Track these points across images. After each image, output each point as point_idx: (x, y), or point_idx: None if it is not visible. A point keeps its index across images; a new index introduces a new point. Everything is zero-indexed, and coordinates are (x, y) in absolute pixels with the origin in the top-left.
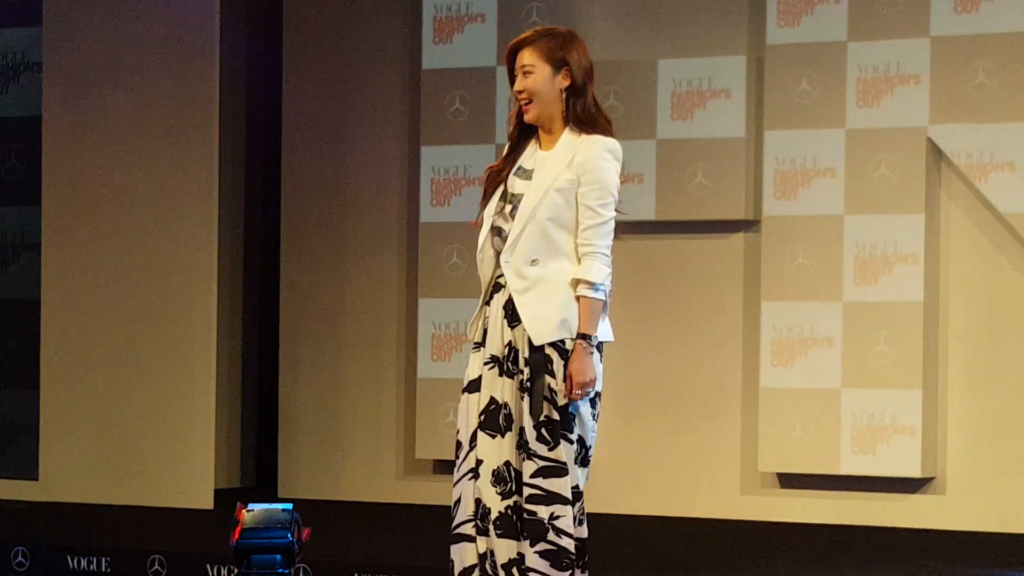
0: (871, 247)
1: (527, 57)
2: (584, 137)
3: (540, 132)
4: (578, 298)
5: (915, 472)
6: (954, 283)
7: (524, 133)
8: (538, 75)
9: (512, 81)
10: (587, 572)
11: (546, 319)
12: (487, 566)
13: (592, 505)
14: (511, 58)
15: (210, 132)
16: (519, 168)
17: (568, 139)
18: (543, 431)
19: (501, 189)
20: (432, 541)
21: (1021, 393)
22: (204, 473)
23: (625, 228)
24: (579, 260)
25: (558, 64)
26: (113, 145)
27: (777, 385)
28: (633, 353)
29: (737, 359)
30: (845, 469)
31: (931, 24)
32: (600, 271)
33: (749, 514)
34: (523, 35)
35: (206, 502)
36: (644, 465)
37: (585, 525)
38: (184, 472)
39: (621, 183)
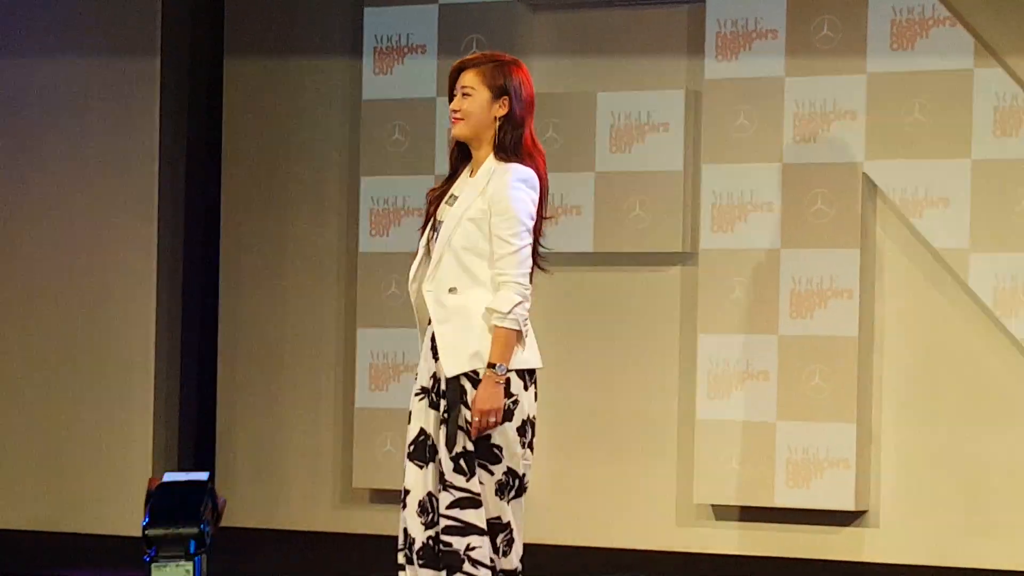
0: (807, 281)
1: (468, 79)
2: (501, 166)
3: (473, 160)
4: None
5: (849, 505)
6: (889, 318)
7: (462, 158)
8: (476, 98)
9: (451, 99)
10: None
11: (459, 350)
12: None
13: (527, 535)
14: (454, 76)
15: (150, 159)
16: (450, 195)
17: (488, 167)
18: (460, 462)
19: (432, 216)
20: (369, 570)
21: (954, 427)
22: (140, 499)
23: (563, 259)
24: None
25: (498, 91)
26: (52, 171)
27: (713, 417)
28: (569, 383)
29: (673, 391)
30: (780, 501)
31: (867, 61)
32: (510, 299)
33: (684, 546)
34: (470, 56)
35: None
36: (579, 496)
37: (515, 556)
38: (121, 499)
39: (557, 215)
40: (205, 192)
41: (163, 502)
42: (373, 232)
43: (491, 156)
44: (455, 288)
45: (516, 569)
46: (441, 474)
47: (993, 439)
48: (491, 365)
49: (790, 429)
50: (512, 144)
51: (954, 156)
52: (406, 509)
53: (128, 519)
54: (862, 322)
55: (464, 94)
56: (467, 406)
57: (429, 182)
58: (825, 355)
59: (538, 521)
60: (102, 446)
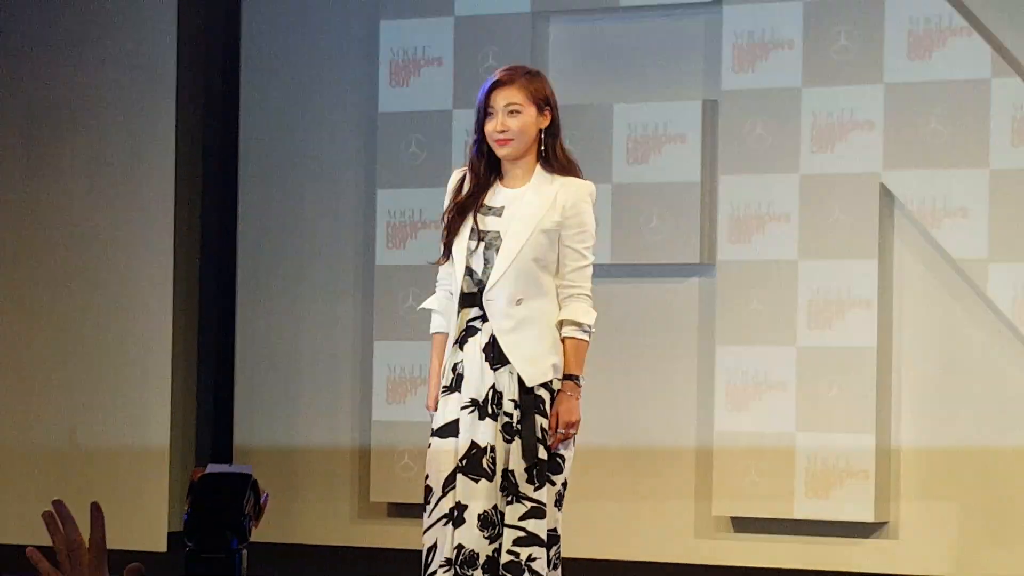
0: (825, 292)
1: (514, 97)
2: (561, 179)
3: (506, 169)
4: (564, 339)
5: (868, 517)
6: (907, 328)
7: (489, 168)
8: (526, 115)
9: (484, 116)
10: None
11: (538, 361)
12: None
13: None
14: (489, 95)
15: (166, 174)
16: (483, 205)
17: (542, 178)
18: (534, 473)
19: (470, 226)
20: None
21: (974, 438)
22: (158, 515)
23: None
24: (560, 301)
25: (541, 104)
26: (68, 184)
27: (731, 429)
28: (588, 395)
29: (692, 403)
30: (799, 513)
31: (885, 70)
32: (589, 313)
33: (703, 558)
34: (503, 74)
35: (159, 544)
36: (597, 507)
37: (559, 570)
38: (137, 513)
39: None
40: (222, 205)
41: (206, 495)
42: (390, 244)
43: (537, 168)
44: (522, 299)
45: None
46: (514, 485)
47: (1013, 449)
48: (571, 376)
49: (809, 440)
50: (559, 154)
51: (972, 166)
52: (463, 524)
53: (145, 534)
54: (880, 332)
55: (511, 112)
56: (544, 416)
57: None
58: (843, 366)
59: None
60: (119, 459)
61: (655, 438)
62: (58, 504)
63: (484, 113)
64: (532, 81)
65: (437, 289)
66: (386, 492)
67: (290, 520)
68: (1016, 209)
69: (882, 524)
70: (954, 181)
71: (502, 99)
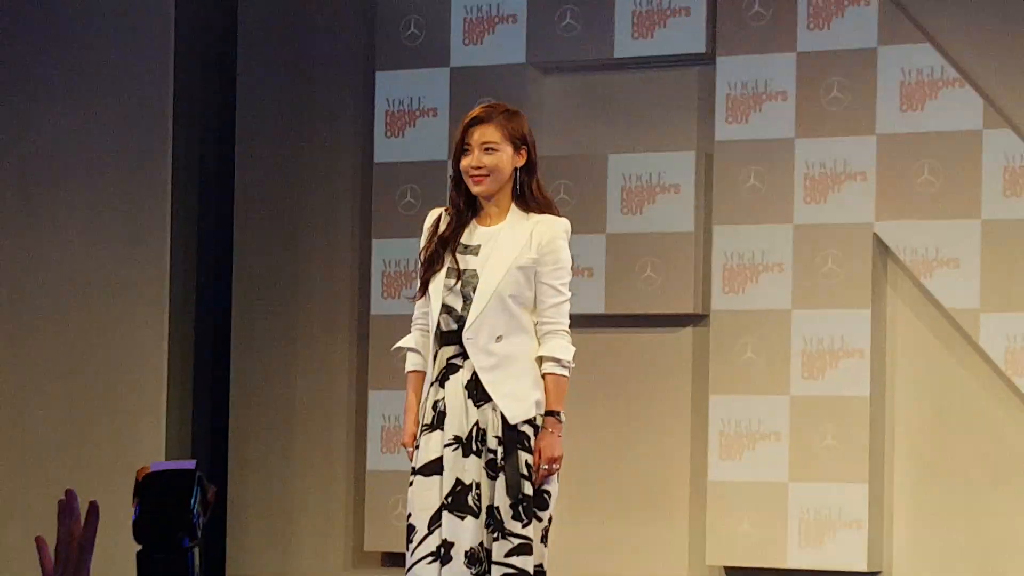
0: (818, 341)
1: (490, 134)
2: (537, 216)
3: (482, 207)
4: (545, 375)
5: (861, 566)
6: (900, 377)
7: (467, 205)
8: (502, 154)
9: (460, 154)
10: None
11: (521, 397)
12: None
13: None
14: (465, 131)
15: (162, 223)
16: (461, 244)
17: (518, 216)
18: (519, 509)
19: (448, 264)
20: None
21: (967, 487)
22: None
23: (575, 321)
24: (539, 337)
25: (518, 143)
26: (63, 233)
27: (725, 478)
28: (581, 444)
29: (685, 452)
30: (792, 563)
31: (877, 122)
32: (567, 348)
33: None
34: (480, 111)
35: None
36: (590, 556)
37: None
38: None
39: (572, 277)
40: (217, 255)
41: (153, 494)
42: (385, 294)
43: (512, 207)
44: (501, 336)
45: None
46: (500, 522)
47: (1006, 499)
48: (553, 412)
49: (802, 489)
50: (535, 193)
51: (964, 216)
52: (450, 562)
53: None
54: (874, 382)
55: (487, 149)
56: (528, 451)
57: None
58: (837, 415)
59: None
60: (108, 501)
61: (649, 487)
62: (68, 494)
63: (460, 149)
64: (510, 120)
65: (412, 328)
66: (380, 541)
67: (284, 569)
68: (1007, 259)
69: (875, 573)
70: (946, 231)
71: (478, 136)
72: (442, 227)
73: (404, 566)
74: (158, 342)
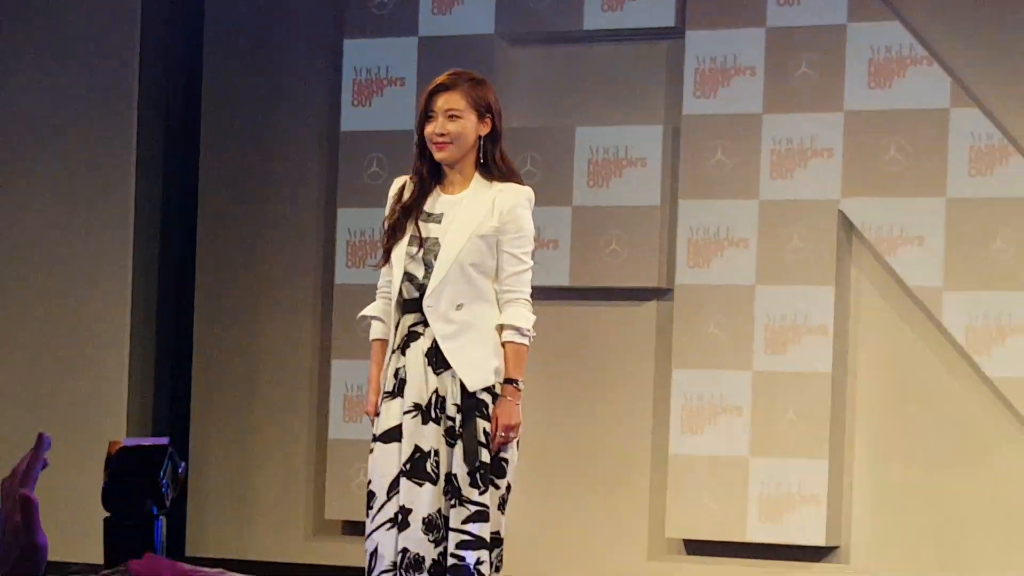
0: (781, 317)
1: (454, 101)
2: (500, 185)
3: (445, 175)
4: (504, 343)
5: (820, 541)
6: (862, 354)
7: (431, 177)
8: (465, 121)
9: (424, 120)
10: None
11: (480, 365)
12: None
13: (504, 568)
14: (430, 98)
15: (126, 190)
16: (424, 212)
17: (481, 185)
18: (476, 476)
19: (411, 232)
20: None
21: (926, 464)
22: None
23: (540, 293)
24: (500, 306)
25: (483, 111)
26: (27, 200)
27: (686, 452)
28: (543, 417)
29: (647, 425)
30: (752, 537)
31: (845, 99)
32: (527, 317)
33: None
34: (445, 78)
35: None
36: (551, 529)
37: (500, 573)
38: (92, 532)
39: (536, 248)
40: (181, 222)
41: (123, 465)
42: (349, 264)
43: (476, 175)
44: (462, 304)
45: None
46: (457, 489)
47: (965, 476)
48: (511, 380)
49: (763, 464)
50: (498, 161)
51: (929, 195)
52: (408, 528)
53: (94, 549)
54: (836, 358)
55: (451, 116)
56: (487, 419)
57: None
58: (799, 391)
59: (510, 555)
60: (72, 476)
61: (610, 460)
62: (40, 438)
63: (424, 116)
64: (475, 88)
65: (377, 297)
66: (341, 510)
67: (245, 537)
68: (971, 238)
69: (833, 548)
70: (911, 209)
71: (443, 103)
72: (406, 195)
73: (364, 533)
74: (121, 311)
